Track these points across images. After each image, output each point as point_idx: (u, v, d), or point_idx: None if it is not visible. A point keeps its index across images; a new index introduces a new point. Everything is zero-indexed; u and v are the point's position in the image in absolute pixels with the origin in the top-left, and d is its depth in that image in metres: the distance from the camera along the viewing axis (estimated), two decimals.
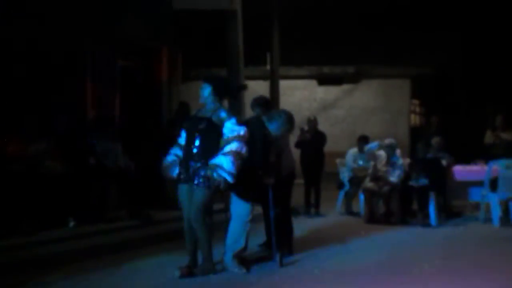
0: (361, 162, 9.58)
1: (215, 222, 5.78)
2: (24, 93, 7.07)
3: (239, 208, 5.35)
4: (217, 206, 5.96)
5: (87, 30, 7.80)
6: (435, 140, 9.40)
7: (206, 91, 5.27)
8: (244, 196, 5.37)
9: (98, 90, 8.06)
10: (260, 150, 5.45)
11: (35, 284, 4.97)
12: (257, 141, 5.40)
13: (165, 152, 5.50)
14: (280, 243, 5.75)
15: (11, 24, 6.97)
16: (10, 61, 7.00)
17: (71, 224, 6.86)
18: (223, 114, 5.17)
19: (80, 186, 6.95)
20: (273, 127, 5.58)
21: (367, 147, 9.39)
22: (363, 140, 9.82)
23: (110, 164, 7.36)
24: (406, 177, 8.56)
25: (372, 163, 8.96)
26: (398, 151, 9.02)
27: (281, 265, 5.55)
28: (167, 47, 9.20)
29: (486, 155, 9.73)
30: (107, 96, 8.19)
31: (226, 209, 5.77)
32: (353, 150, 9.81)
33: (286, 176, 6.13)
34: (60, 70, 7.51)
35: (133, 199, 7.45)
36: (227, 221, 5.71)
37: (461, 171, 9.16)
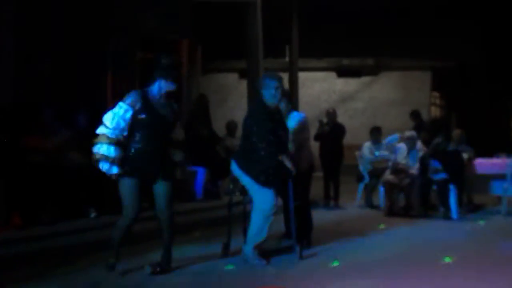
0: (377, 153, 9.52)
1: (234, 214, 5.79)
2: (46, 85, 7.14)
3: (262, 200, 5.34)
4: (237, 198, 5.97)
5: (107, 23, 7.85)
6: (455, 133, 9.32)
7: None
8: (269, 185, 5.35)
9: (118, 83, 8.11)
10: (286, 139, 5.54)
11: (55, 275, 5.03)
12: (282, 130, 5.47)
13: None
14: (299, 235, 5.75)
15: (35, 17, 7.04)
16: (34, 54, 7.07)
17: (92, 214, 6.93)
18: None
19: (101, 178, 7.00)
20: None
21: (387, 139, 9.33)
22: (375, 131, 9.75)
23: None
24: (426, 170, 8.48)
25: (392, 155, 8.90)
26: (418, 144, 8.96)
27: (301, 257, 5.55)
28: (186, 40, 9.22)
29: (509, 148, 9.61)
30: (127, 88, 8.23)
31: (246, 202, 5.79)
32: (368, 143, 9.75)
33: (305, 169, 6.11)
34: (81, 63, 7.57)
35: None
36: (245, 214, 5.73)
37: (483, 164, 9.07)
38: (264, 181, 5.30)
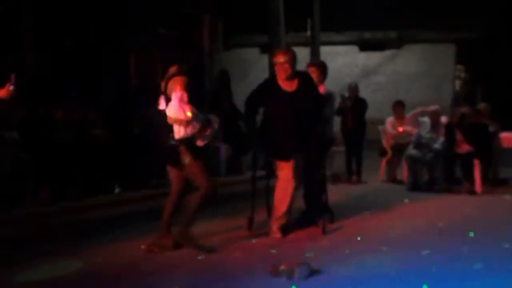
0: (401, 129, 9.42)
1: (258, 188, 5.81)
2: (71, 61, 7.19)
3: (285, 174, 5.34)
4: (260, 173, 5.98)
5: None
6: (482, 106, 9.18)
7: None
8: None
9: (140, 59, 8.12)
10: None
11: (79, 248, 5.12)
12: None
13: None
14: (321, 209, 5.76)
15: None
16: (61, 32, 7.10)
17: (117, 190, 7.02)
18: None
19: (124, 154, 7.08)
20: None
21: (413, 112, 9.21)
22: (398, 105, 9.64)
23: (152, 133, 7.45)
24: (450, 140, 8.35)
25: (416, 129, 8.82)
26: (443, 118, 8.85)
27: (324, 232, 5.56)
28: (207, 15, 9.17)
29: None
30: (148, 65, 8.26)
31: (269, 176, 5.79)
32: (391, 118, 9.65)
33: (325, 143, 6.04)
34: (103, 39, 7.58)
35: None
36: (268, 189, 5.74)
37: (509, 138, 8.93)
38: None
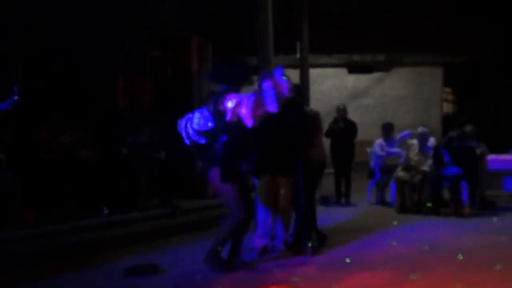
0: (389, 150, 9.44)
1: None
2: (58, 83, 7.17)
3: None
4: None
5: (117, 20, 7.86)
6: (468, 128, 9.25)
7: None
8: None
9: (128, 80, 8.11)
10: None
11: (67, 273, 5.06)
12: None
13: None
14: (309, 232, 5.75)
15: (45, 17, 7.07)
16: (45, 53, 7.09)
17: (105, 212, 6.96)
18: None
19: (113, 175, 7.04)
20: None
21: (400, 135, 9.28)
22: (387, 127, 9.67)
23: (141, 153, 7.43)
24: (438, 162, 8.40)
25: (404, 151, 8.86)
26: (431, 140, 8.91)
27: (312, 254, 5.54)
28: (196, 36, 9.20)
29: None
30: (137, 86, 8.25)
31: None
32: (379, 140, 9.69)
33: (317, 166, 6.07)
34: (92, 61, 7.58)
35: (164, 187, 7.52)
36: None
37: (495, 160, 9.00)
38: None
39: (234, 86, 4.94)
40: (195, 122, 4.97)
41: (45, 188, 6.41)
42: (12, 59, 6.71)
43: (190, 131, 4.94)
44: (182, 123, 5.02)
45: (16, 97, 4.40)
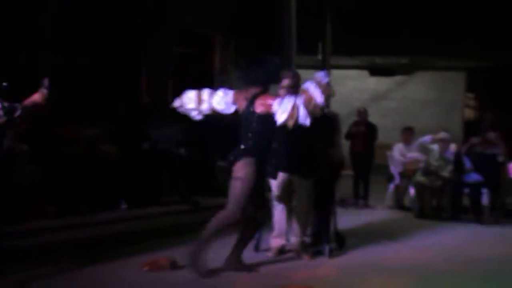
0: (408, 155, 9.38)
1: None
2: (83, 79, 7.25)
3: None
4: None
5: (142, 17, 7.92)
6: (490, 135, 9.14)
7: None
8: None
9: (152, 77, 8.17)
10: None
11: (86, 267, 5.10)
12: None
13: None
14: (328, 234, 5.74)
15: (73, 15, 7.14)
16: (72, 47, 7.18)
17: (123, 206, 7.02)
18: None
19: (133, 170, 7.10)
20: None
21: (421, 140, 9.21)
22: (407, 131, 9.61)
23: (162, 149, 7.49)
24: (459, 169, 8.33)
25: (424, 156, 8.79)
26: (452, 146, 8.83)
27: (330, 256, 5.53)
28: (220, 34, 9.24)
29: None
30: (161, 82, 8.30)
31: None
32: (399, 144, 9.62)
33: (336, 168, 6.05)
34: (118, 57, 7.64)
35: (184, 184, 7.56)
36: None
37: None
38: None
39: (266, 87, 4.92)
40: (216, 101, 4.98)
41: (67, 181, 6.49)
42: (42, 54, 6.80)
43: (207, 105, 4.97)
44: (191, 95, 5.04)
45: (45, 90, 4.43)
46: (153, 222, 6.85)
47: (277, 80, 5.14)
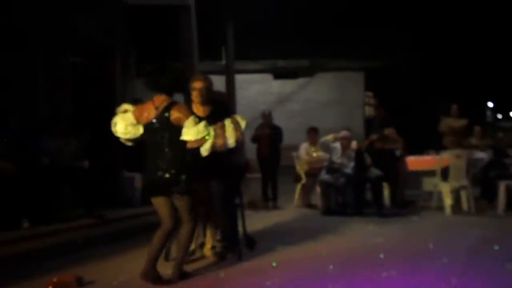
0: (314, 154, 9.67)
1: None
2: None
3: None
4: None
5: (38, 27, 7.64)
6: (387, 131, 9.60)
7: None
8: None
9: (49, 88, 7.90)
10: None
11: None
12: None
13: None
14: (236, 237, 5.80)
15: None
16: None
17: (25, 224, 6.73)
18: None
19: (33, 186, 6.82)
20: None
21: (323, 139, 9.50)
22: (312, 131, 9.93)
23: (63, 163, 7.25)
24: (360, 165, 8.67)
25: (327, 155, 9.07)
26: (353, 143, 9.16)
27: (240, 258, 5.58)
28: (120, 44, 9.09)
29: (437, 144, 10.03)
30: (59, 94, 8.04)
31: None
32: (305, 144, 9.92)
33: (239, 171, 6.12)
34: (13, 67, 7.33)
35: (88, 197, 7.36)
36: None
37: (414, 161, 9.42)
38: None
39: (170, 94, 4.91)
40: (120, 128, 4.94)
41: None
42: None
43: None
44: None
45: None
46: (59, 238, 6.62)
47: (181, 88, 5.14)
